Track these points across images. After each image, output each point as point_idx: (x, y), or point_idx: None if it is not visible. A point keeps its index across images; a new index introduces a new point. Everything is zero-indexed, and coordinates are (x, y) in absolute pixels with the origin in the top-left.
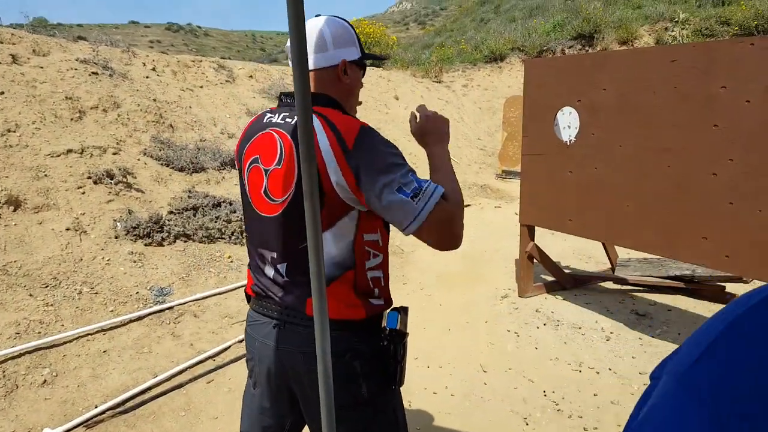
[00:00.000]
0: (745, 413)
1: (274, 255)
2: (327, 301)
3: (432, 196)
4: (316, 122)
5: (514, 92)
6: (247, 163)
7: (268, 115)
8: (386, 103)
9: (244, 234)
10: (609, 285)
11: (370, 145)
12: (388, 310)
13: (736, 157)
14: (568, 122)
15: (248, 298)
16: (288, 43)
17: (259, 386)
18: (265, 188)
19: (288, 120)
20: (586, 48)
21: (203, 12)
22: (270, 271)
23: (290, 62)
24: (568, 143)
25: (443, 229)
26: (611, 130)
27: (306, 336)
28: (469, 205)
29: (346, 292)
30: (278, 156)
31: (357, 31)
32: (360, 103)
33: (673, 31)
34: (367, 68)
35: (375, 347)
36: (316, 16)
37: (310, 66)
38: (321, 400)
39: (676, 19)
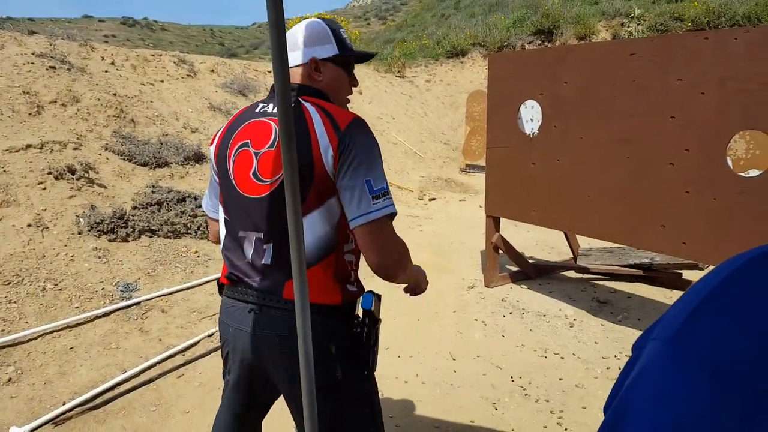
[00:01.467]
0: (742, 358)
1: (261, 236)
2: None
3: (387, 207)
4: (312, 109)
5: (476, 87)
6: (235, 148)
7: (261, 105)
8: (350, 98)
9: (221, 221)
10: (571, 274)
11: (361, 132)
12: (364, 293)
13: (692, 148)
14: (531, 115)
15: (221, 287)
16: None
17: (233, 372)
18: (254, 170)
19: (275, 107)
20: (546, 43)
21: (158, 6)
22: (250, 254)
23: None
24: (532, 136)
25: (381, 239)
26: (573, 123)
27: (282, 319)
28: (434, 199)
29: (326, 277)
30: (272, 140)
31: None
32: (349, 100)
33: (629, 26)
34: None
35: (349, 333)
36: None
37: (293, 63)
38: (302, 381)
39: (632, 15)
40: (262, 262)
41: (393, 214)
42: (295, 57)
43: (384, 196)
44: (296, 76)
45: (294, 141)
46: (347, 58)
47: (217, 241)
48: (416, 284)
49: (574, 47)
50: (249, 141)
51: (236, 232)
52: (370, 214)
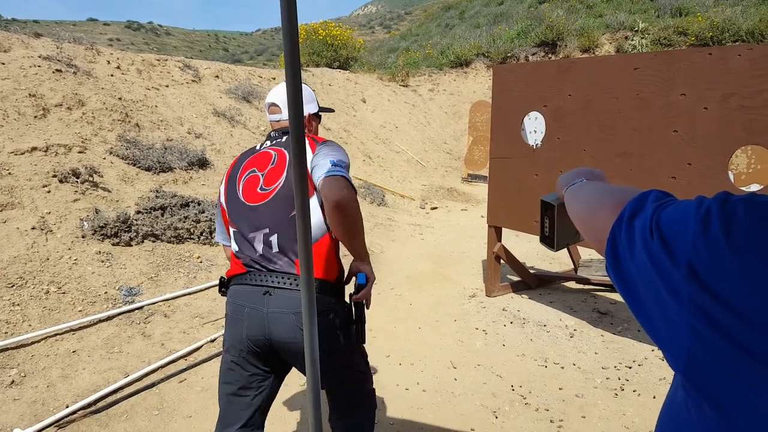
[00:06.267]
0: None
1: (267, 231)
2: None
3: (344, 172)
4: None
5: (479, 97)
6: (244, 175)
7: (259, 145)
8: (353, 106)
9: (231, 237)
10: (572, 285)
11: (329, 143)
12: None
13: (694, 161)
14: (534, 127)
15: (227, 281)
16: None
17: (242, 353)
18: (261, 185)
19: (275, 142)
20: (549, 55)
21: (163, 11)
22: (261, 248)
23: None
24: (535, 147)
25: (340, 184)
26: (576, 135)
27: (296, 299)
28: (436, 208)
29: (325, 252)
30: (272, 161)
31: (324, 33)
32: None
33: (632, 40)
34: (335, 71)
35: (345, 308)
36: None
37: (284, 117)
38: (305, 345)
39: (636, 29)
40: (272, 250)
41: (349, 181)
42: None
43: (343, 167)
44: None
45: (303, 133)
46: (319, 113)
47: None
48: (369, 265)
49: (579, 60)
50: (255, 168)
51: (245, 236)
52: (330, 171)
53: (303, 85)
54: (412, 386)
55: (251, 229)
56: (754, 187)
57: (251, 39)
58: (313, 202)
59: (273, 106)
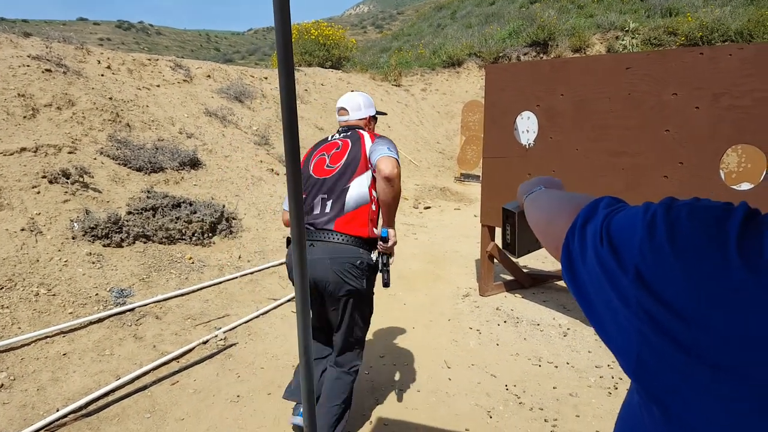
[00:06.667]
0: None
1: (325, 197)
2: (349, 222)
3: (396, 154)
4: (365, 134)
5: (471, 97)
6: (316, 156)
7: (329, 136)
8: None
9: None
10: (564, 283)
11: (385, 137)
12: (381, 228)
13: (686, 160)
14: (527, 126)
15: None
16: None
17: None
18: (327, 163)
19: (343, 135)
20: (541, 55)
21: (154, 10)
22: (318, 209)
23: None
24: (528, 147)
25: (392, 162)
26: (568, 134)
27: (331, 247)
28: (429, 207)
29: (362, 217)
30: (338, 147)
31: (317, 33)
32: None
33: (623, 40)
34: (327, 71)
35: (372, 258)
36: (351, 92)
37: (356, 117)
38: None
39: (627, 29)
40: (325, 210)
41: (398, 161)
42: (360, 113)
43: (394, 152)
44: (360, 122)
45: (296, 115)
46: (377, 115)
47: (287, 225)
48: (393, 229)
49: (571, 60)
50: (324, 152)
51: (313, 198)
52: (385, 153)
53: (363, 93)
54: (406, 386)
55: (313, 196)
56: (745, 186)
57: (243, 39)
58: (362, 180)
59: (342, 110)
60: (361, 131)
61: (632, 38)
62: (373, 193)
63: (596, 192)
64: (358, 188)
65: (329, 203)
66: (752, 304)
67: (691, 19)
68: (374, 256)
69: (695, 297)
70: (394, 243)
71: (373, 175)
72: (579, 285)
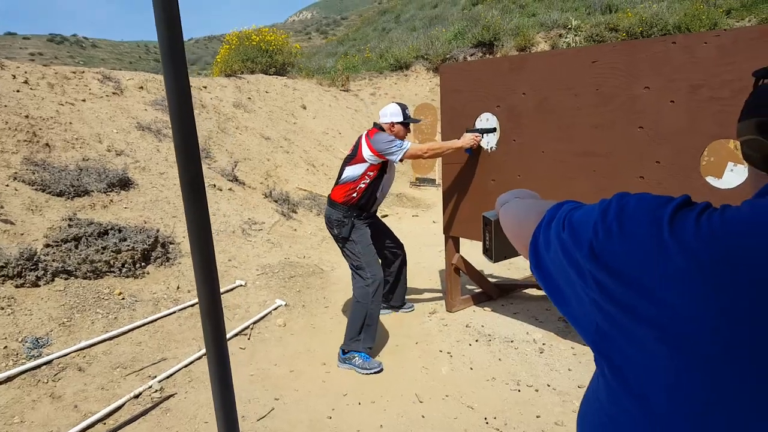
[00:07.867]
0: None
1: (338, 175)
2: (334, 193)
3: (405, 148)
4: (369, 133)
5: (421, 100)
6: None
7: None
8: (293, 113)
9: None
10: (533, 291)
11: (378, 134)
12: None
13: (663, 159)
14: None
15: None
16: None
17: None
18: (347, 152)
19: (366, 134)
20: (487, 55)
21: (87, 22)
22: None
23: None
24: (489, 151)
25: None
26: (533, 136)
27: (328, 210)
28: (386, 215)
29: (344, 189)
30: (356, 141)
31: (258, 39)
32: (409, 131)
33: (566, 37)
34: (272, 77)
35: (340, 216)
36: (390, 103)
37: (382, 121)
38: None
39: (569, 26)
40: (334, 185)
41: (400, 151)
42: (386, 119)
43: (395, 148)
44: (384, 125)
45: (193, 134)
46: (405, 122)
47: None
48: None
49: (532, 56)
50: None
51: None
52: (393, 158)
53: (397, 104)
54: (374, 430)
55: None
56: (710, 180)
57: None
58: (356, 168)
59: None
60: (369, 130)
61: (575, 35)
62: (366, 178)
63: (567, 197)
64: (351, 172)
65: (335, 180)
66: (681, 275)
67: (630, 15)
68: (341, 215)
69: (637, 268)
70: (465, 141)
71: (370, 164)
72: (544, 272)
